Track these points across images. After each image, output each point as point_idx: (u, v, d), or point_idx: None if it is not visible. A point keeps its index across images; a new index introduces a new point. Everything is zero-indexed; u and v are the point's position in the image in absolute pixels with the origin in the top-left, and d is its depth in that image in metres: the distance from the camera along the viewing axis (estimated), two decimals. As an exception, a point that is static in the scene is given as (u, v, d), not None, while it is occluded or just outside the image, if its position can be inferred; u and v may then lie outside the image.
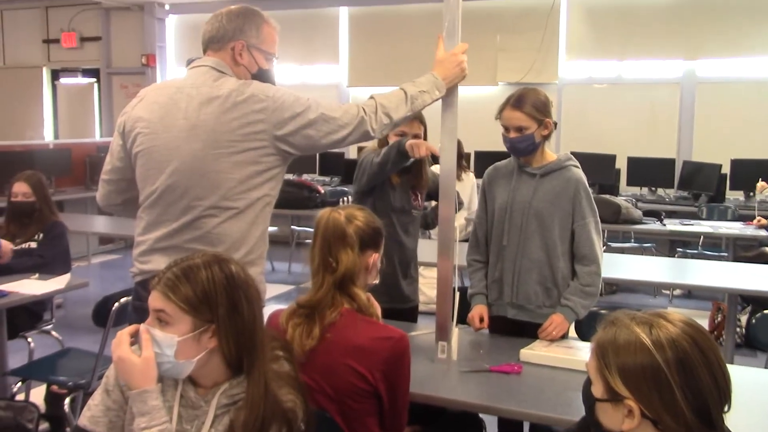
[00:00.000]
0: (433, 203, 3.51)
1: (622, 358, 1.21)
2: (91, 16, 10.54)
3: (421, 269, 5.33)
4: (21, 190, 4.19)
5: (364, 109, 2.29)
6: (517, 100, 2.75)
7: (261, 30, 2.35)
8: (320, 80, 9.60)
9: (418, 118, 3.04)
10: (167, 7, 10.18)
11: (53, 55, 10.97)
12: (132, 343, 1.62)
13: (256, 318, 1.65)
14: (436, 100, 2.45)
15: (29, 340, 3.94)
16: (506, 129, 2.79)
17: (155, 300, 1.59)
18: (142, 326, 1.60)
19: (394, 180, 3.16)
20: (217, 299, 1.58)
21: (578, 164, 2.86)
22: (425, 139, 3.13)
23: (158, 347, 1.58)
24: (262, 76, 2.36)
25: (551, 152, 2.88)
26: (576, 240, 2.79)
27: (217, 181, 2.17)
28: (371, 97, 2.35)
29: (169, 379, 1.64)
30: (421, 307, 5.18)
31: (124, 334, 1.62)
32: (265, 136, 2.19)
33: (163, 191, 2.21)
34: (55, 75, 11.02)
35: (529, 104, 2.74)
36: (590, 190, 2.83)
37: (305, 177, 8.43)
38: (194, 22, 9.73)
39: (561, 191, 2.78)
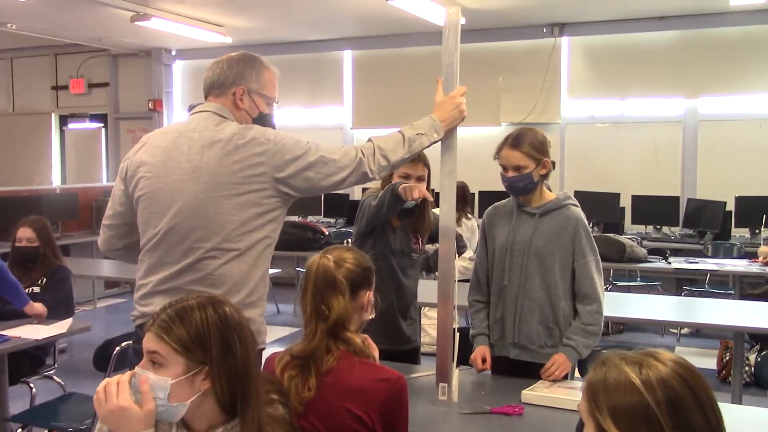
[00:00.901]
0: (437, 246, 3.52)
1: (612, 399, 1.20)
2: (99, 63, 10.72)
3: (425, 310, 5.34)
4: (25, 235, 4.21)
5: (362, 152, 2.32)
6: (515, 140, 2.78)
7: (261, 75, 2.39)
8: (325, 122, 9.70)
9: (422, 160, 3.05)
10: (174, 52, 10.35)
11: (62, 101, 11.13)
12: None
13: (250, 360, 1.63)
14: (435, 142, 2.47)
15: (31, 385, 3.92)
16: (504, 168, 2.81)
17: (149, 341, 1.58)
18: (141, 374, 1.58)
19: (394, 222, 3.16)
20: (211, 340, 1.57)
21: (577, 203, 2.87)
22: (429, 181, 3.14)
23: (151, 391, 1.56)
24: (262, 120, 2.39)
25: (550, 192, 2.90)
26: (577, 279, 2.79)
27: (219, 222, 2.19)
28: (369, 140, 2.37)
29: (164, 423, 1.63)
30: (426, 348, 5.17)
31: (122, 381, 1.58)
32: (266, 179, 2.22)
33: (166, 233, 2.23)
34: (64, 120, 11.16)
35: (527, 143, 2.76)
36: (590, 229, 2.84)
37: (310, 219, 8.46)
38: (201, 67, 9.84)
39: (560, 230, 2.79)
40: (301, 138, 2.29)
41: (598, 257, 2.82)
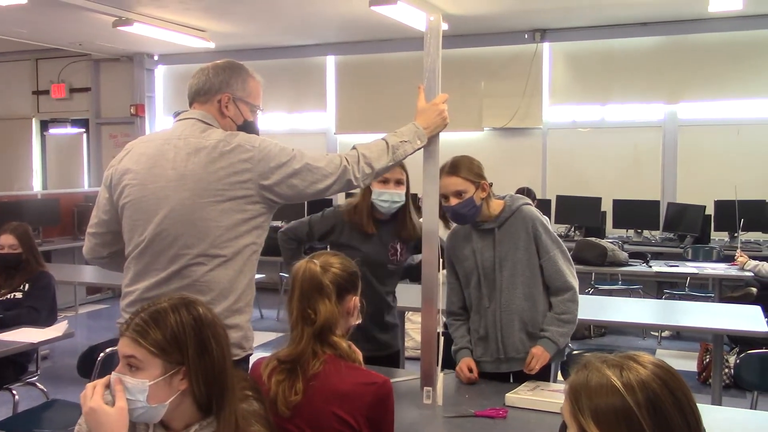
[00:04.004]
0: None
1: (594, 402, 1.22)
2: (80, 68, 10.64)
3: (409, 314, 5.35)
4: (7, 242, 4.19)
5: (347, 159, 2.34)
6: (452, 167, 2.77)
7: (246, 83, 2.40)
8: (308, 127, 9.70)
9: (399, 163, 3.02)
10: (156, 57, 10.30)
11: (42, 106, 11.03)
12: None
13: (225, 357, 1.66)
14: (418, 149, 2.49)
15: (14, 392, 3.90)
16: (445, 197, 2.77)
17: (125, 346, 1.60)
18: (114, 375, 1.61)
19: (369, 230, 3.08)
20: (187, 341, 1.60)
21: (528, 201, 2.88)
22: (408, 185, 3.11)
23: (130, 394, 1.58)
24: (247, 127, 2.40)
25: (497, 200, 2.87)
26: (546, 275, 2.81)
27: (205, 228, 2.19)
28: (353, 148, 2.40)
29: (141, 424, 1.65)
30: (410, 353, 5.18)
31: (98, 384, 1.62)
32: (251, 185, 2.22)
33: (152, 240, 2.23)
34: (45, 126, 11.07)
35: (464, 169, 2.76)
36: (546, 223, 2.84)
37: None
38: (183, 72, 9.85)
39: (520, 234, 2.80)
40: (287, 145, 2.31)
41: (563, 247, 2.83)
